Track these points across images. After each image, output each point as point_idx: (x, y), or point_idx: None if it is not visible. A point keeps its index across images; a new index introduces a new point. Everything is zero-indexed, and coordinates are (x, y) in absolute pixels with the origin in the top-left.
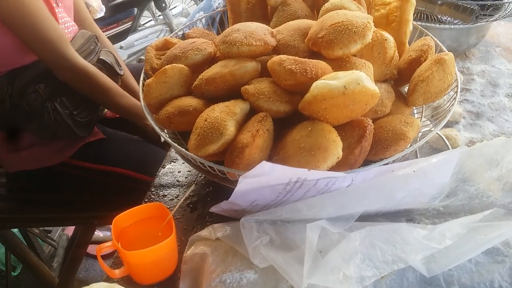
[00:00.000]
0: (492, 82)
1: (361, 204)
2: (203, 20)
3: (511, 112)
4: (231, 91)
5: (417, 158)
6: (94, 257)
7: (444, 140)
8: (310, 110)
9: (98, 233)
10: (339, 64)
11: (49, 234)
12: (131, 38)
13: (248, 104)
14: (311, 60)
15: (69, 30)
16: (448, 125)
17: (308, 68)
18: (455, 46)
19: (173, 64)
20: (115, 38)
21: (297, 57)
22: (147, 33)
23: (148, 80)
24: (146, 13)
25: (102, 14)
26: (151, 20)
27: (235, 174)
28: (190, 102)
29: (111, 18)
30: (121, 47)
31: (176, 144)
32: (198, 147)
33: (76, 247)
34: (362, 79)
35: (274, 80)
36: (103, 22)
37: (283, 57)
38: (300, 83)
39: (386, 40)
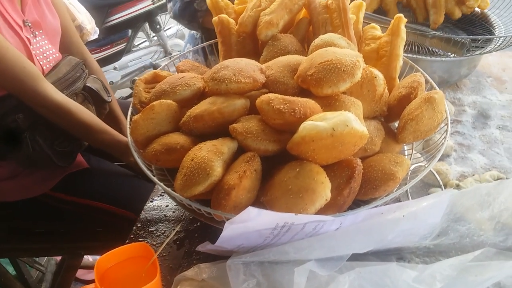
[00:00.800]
0: (483, 113)
1: (350, 247)
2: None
3: (502, 145)
4: (219, 128)
5: (407, 193)
6: (83, 281)
7: (435, 175)
8: (299, 151)
9: (88, 258)
10: (329, 102)
11: (37, 259)
12: (125, 59)
13: (236, 143)
14: (299, 99)
15: (49, 59)
16: (439, 158)
17: (297, 108)
18: (447, 77)
19: (161, 100)
20: (109, 59)
21: (285, 96)
22: (142, 54)
23: (136, 116)
24: (140, 34)
25: (96, 36)
26: (145, 41)
27: (221, 216)
28: (177, 139)
29: (105, 40)
30: (114, 68)
31: (162, 184)
32: (184, 187)
33: (65, 272)
34: (351, 120)
35: (262, 118)
36: (97, 44)
37: (271, 96)
38: (288, 123)
39: (375, 77)
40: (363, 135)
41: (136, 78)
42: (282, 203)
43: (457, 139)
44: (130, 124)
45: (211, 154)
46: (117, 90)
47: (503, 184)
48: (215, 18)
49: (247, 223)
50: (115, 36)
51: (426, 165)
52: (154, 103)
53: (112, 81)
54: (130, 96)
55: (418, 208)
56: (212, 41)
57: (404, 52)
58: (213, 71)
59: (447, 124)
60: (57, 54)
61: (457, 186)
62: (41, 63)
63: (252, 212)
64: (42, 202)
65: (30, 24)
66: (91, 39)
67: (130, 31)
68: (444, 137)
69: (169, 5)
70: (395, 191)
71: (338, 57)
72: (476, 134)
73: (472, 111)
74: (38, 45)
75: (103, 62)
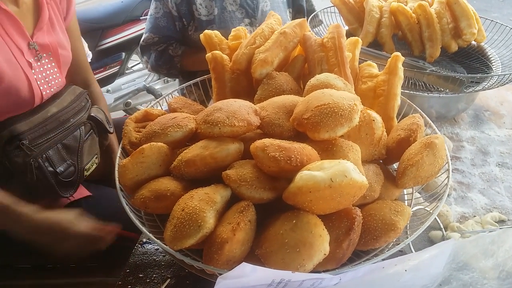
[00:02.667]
0: (482, 149)
1: None
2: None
3: (503, 184)
4: (212, 173)
5: (407, 233)
6: None
7: (435, 218)
8: (295, 201)
9: None
10: (326, 146)
11: None
12: (118, 81)
13: (229, 190)
14: (295, 145)
15: (51, 84)
16: (438, 195)
17: (293, 156)
18: (444, 112)
19: (151, 143)
20: (102, 82)
21: (281, 143)
22: (135, 76)
23: (124, 161)
24: (134, 56)
25: (89, 60)
26: (139, 63)
27: (213, 271)
28: (167, 185)
29: (99, 63)
30: (107, 91)
31: (151, 235)
32: (174, 240)
33: None
34: (349, 170)
35: (257, 164)
36: (90, 67)
37: (266, 142)
38: (284, 171)
39: (373, 120)
40: (362, 185)
41: (129, 100)
42: (278, 258)
43: (457, 177)
44: (118, 169)
45: (203, 203)
46: (110, 113)
47: (508, 232)
48: (208, 55)
49: (241, 279)
50: (108, 59)
51: (430, 211)
52: (144, 146)
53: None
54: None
55: (420, 261)
56: (204, 77)
57: (401, 87)
58: (205, 114)
59: (448, 170)
60: (60, 79)
61: (458, 228)
62: (41, 88)
63: (246, 268)
64: None
65: (36, 46)
66: None
67: (123, 54)
68: (446, 184)
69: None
70: (395, 241)
71: (335, 100)
72: (476, 171)
73: (471, 147)
74: (41, 69)
75: None
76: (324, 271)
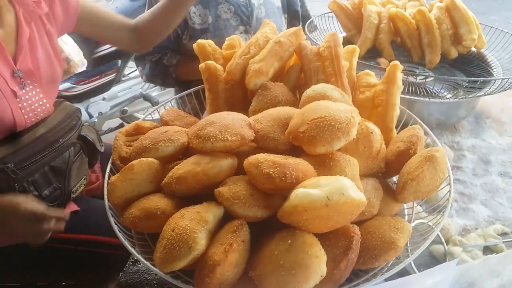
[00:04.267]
0: (483, 158)
1: None
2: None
3: (505, 194)
4: (204, 190)
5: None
6: None
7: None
8: (290, 220)
9: None
10: (322, 161)
11: None
12: (114, 89)
13: (222, 209)
14: (291, 161)
15: (37, 111)
16: (440, 210)
17: (288, 172)
18: (444, 119)
19: (141, 159)
20: (98, 90)
21: (275, 159)
22: (132, 84)
23: (113, 178)
24: (131, 63)
25: (84, 68)
26: (135, 70)
27: None
28: (157, 204)
29: (94, 70)
30: (103, 99)
31: (140, 256)
32: (164, 262)
33: None
34: (347, 188)
35: (251, 180)
36: (86, 75)
37: (260, 158)
38: (279, 188)
39: (371, 133)
40: (360, 203)
41: (125, 108)
42: (273, 281)
43: (458, 187)
44: (107, 186)
45: (194, 223)
46: (106, 121)
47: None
48: (201, 65)
49: None
50: (104, 67)
51: (432, 226)
52: (134, 162)
53: (101, 112)
54: (119, 126)
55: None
56: (199, 87)
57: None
58: (197, 128)
59: (449, 184)
60: (47, 106)
61: (460, 242)
62: (25, 116)
63: None
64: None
65: (21, 74)
66: (78, 71)
67: (119, 61)
68: (447, 199)
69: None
70: (396, 258)
71: (332, 113)
72: (477, 182)
73: (472, 156)
74: (26, 97)
75: (92, 93)
76: None
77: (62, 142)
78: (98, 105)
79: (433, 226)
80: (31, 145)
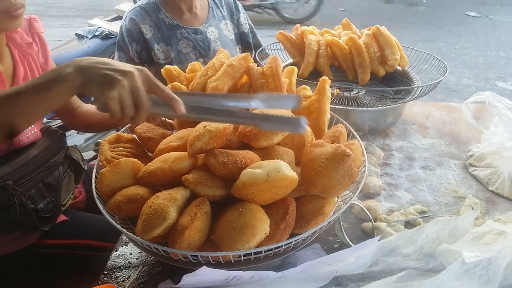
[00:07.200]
0: (408, 156)
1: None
2: None
3: (425, 183)
4: (171, 181)
5: (341, 229)
6: None
7: (365, 212)
8: (241, 194)
9: None
10: (266, 152)
11: None
12: None
13: (188, 191)
14: (240, 151)
15: (27, 135)
16: (371, 196)
17: (238, 160)
18: (375, 126)
19: (127, 158)
20: None
21: (228, 150)
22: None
23: (103, 170)
24: None
25: None
26: None
27: (177, 253)
28: (137, 191)
29: None
30: (78, 132)
31: (124, 230)
32: (144, 231)
33: None
34: (282, 167)
35: (210, 169)
36: None
37: (216, 151)
38: (232, 172)
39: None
40: (293, 179)
41: (99, 140)
42: (228, 239)
43: (386, 179)
44: (96, 177)
45: (167, 201)
46: (82, 153)
47: (424, 226)
48: (169, 86)
49: (202, 277)
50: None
51: (349, 194)
52: (121, 160)
53: (76, 145)
54: (93, 158)
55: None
56: None
57: (337, 104)
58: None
59: (364, 166)
60: (35, 130)
61: (385, 219)
62: (20, 139)
63: (206, 270)
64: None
65: None
66: None
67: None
68: (363, 176)
69: None
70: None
71: None
72: (403, 174)
73: (399, 155)
74: None
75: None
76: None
77: (52, 162)
78: (73, 138)
79: (351, 193)
80: (26, 165)
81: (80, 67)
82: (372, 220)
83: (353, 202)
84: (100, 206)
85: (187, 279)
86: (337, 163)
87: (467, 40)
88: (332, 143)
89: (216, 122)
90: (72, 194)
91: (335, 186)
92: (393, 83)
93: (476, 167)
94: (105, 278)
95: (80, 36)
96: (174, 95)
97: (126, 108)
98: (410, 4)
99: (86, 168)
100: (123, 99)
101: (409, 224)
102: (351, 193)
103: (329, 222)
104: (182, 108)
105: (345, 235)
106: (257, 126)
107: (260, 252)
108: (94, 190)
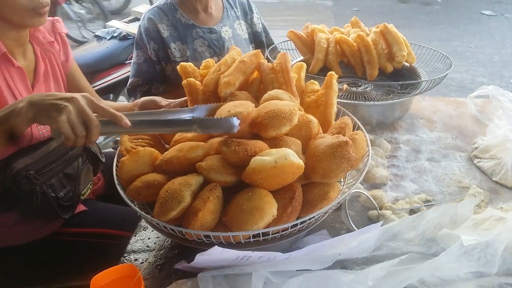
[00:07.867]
0: (415, 149)
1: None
2: None
3: (431, 173)
4: (187, 168)
5: (347, 216)
6: None
7: (371, 200)
8: (250, 179)
9: None
10: (274, 142)
11: None
12: None
13: (202, 177)
14: (251, 141)
15: (47, 129)
16: (377, 187)
17: (248, 148)
18: (383, 119)
19: (145, 148)
20: None
21: (239, 140)
22: None
23: (123, 158)
24: (121, 97)
25: None
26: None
27: (191, 234)
28: (155, 177)
29: None
30: None
31: (143, 212)
32: (160, 213)
33: None
34: (289, 155)
35: (222, 157)
36: None
37: (228, 140)
38: (243, 160)
39: (310, 121)
40: (299, 166)
41: (118, 138)
42: (238, 221)
43: (393, 170)
44: (117, 166)
45: (182, 186)
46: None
47: (424, 213)
48: (184, 81)
49: (214, 256)
50: None
51: (353, 182)
52: (140, 149)
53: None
54: None
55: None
56: (183, 98)
57: (346, 99)
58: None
59: (368, 155)
60: None
61: (390, 207)
62: (40, 132)
63: (217, 249)
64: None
65: None
66: None
67: (111, 95)
68: (366, 164)
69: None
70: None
71: (279, 107)
72: (409, 166)
73: (406, 147)
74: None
75: None
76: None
77: (71, 154)
78: None
79: (354, 181)
80: (47, 156)
81: (31, 101)
82: (378, 208)
83: (359, 191)
84: (121, 192)
85: (200, 257)
86: (334, 148)
87: (482, 38)
88: (338, 133)
89: (157, 133)
90: (90, 184)
91: (334, 170)
92: (400, 78)
93: (480, 158)
94: (125, 260)
95: (99, 37)
96: (117, 113)
97: (75, 128)
98: (424, 3)
99: (104, 160)
100: (71, 120)
101: (413, 212)
102: (354, 181)
103: (333, 206)
104: (127, 122)
105: (351, 222)
106: (195, 131)
107: (268, 233)
108: (115, 177)
